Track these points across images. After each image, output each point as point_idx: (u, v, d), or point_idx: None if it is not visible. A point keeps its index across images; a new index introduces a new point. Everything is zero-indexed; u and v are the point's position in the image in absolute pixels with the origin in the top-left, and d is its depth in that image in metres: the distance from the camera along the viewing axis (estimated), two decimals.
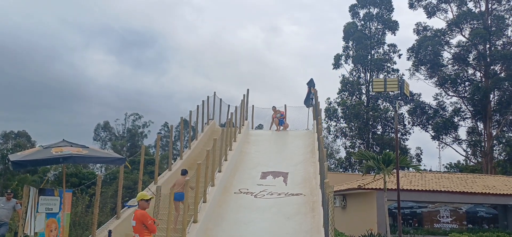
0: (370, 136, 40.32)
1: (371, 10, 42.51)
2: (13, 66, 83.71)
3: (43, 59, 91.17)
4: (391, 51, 41.90)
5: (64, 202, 8.29)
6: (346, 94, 41.93)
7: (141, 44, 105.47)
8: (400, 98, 18.87)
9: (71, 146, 7.86)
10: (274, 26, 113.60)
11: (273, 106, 20.66)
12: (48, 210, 7.94)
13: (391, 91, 16.76)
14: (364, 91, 42.06)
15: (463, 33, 38.51)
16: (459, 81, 37.94)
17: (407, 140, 40.47)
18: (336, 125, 42.32)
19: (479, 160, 37.86)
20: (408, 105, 39.59)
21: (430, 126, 38.85)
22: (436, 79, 38.68)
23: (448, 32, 38.81)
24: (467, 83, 38.07)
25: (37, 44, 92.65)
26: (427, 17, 39.77)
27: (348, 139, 41.85)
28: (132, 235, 10.51)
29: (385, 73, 40.70)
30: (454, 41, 39.04)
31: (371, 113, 40.00)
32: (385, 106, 40.89)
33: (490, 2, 37.87)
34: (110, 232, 8.99)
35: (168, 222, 8.89)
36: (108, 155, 8.71)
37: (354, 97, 41.82)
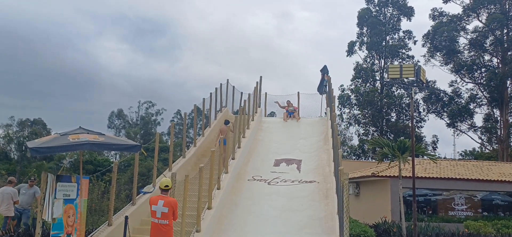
0: (384, 123, 40.02)
1: None
2: (28, 55, 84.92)
3: (57, 47, 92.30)
4: (406, 37, 41.37)
5: (81, 188, 8.39)
6: (360, 81, 41.58)
7: (153, 32, 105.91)
8: (415, 84, 18.64)
9: (88, 133, 7.91)
10: (285, 12, 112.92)
11: (288, 100, 20.64)
12: (65, 196, 8.03)
13: (406, 78, 16.53)
14: (378, 78, 41.67)
15: (480, 18, 37.82)
16: (475, 67, 37.35)
17: (422, 127, 40.16)
18: (349, 112, 42.13)
19: (495, 147, 37.36)
20: (423, 92, 39.15)
21: (445, 113, 38.42)
22: (451, 65, 38.15)
23: (465, 18, 38.15)
24: (483, 69, 37.46)
25: (50, 32, 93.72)
26: (443, 2, 39.15)
27: (361, 126, 41.64)
28: (146, 220, 10.67)
29: (400, 60, 40.28)
30: (470, 27, 38.43)
31: (385, 100, 39.65)
32: (399, 93, 40.48)
33: None
34: (127, 218, 9.09)
35: (183, 208, 8.97)
36: (124, 142, 8.76)
37: (368, 84, 41.45)
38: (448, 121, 38.23)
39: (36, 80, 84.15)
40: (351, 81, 42.15)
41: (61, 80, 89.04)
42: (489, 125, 36.79)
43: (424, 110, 39.89)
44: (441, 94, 38.60)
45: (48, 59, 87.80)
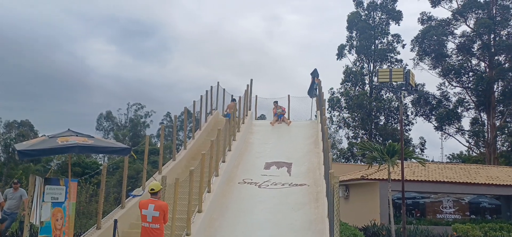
0: (373, 127, 40.29)
1: None
2: (15, 56, 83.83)
3: (45, 49, 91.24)
4: (395, 41, 41.73)
5: (69, 191, 8.27)
6: (349, 84, 41.82)
7: (142, 34, 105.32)
8: (404, 88, 18.79)
9: (77, 136, 7.81)
10: (274, 15, 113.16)
11: (275, 101, 20.51)
12: (54, 200, 7.91)
13: (395, 82, 16.68)
14: (367, 82, 41.96)
15: (468, 23, 38.33)
16: (463, 71, 37.82)
17: (410, 130, 40.52)
18: (339, 115, 42.33)
19: (482, 150, 37.82)
20: (412, 96, 39.52)
21: (433, 117, 38.80)
22: (440, 69, 38.57)
23: (453, 22, 38.64)
24: (471, 73, 37.96)
25: (38, 33, 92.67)
26: (432, 7, 39.61)
27: (350, 129, 41.85)
28: (135, 224, 10.57)
29: (389, 64, 40.63)
30: (458, 31, 38.94)
31: (374, 103, 39.92)
32: (388, 96, 40.81)
33: None
34: (116, 221, 8.99)
35: (173, 211, 8.92)
36: (114, 145, 8.66)
37: (357, 87, 41.72)
38: (436, 124, 38.61)
39: (23, 82, 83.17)
40: (341, 84, 42.41)
41: (48, 82, 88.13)
42: (476, 129, 37.25)
43: (412, 113, 40.27)
44: (429, 98, 38.99)
45: (36, 60, 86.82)
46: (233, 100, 19.13)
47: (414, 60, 39.40)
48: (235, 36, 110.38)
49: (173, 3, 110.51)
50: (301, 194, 12.89)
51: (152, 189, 7.77)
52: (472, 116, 38.25)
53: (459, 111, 38.16)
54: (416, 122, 40.54)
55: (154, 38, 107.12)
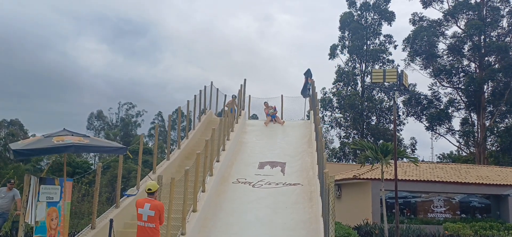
0: (364, 126, 40.51)
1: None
2: (5, 55, 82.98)
3: (35, 48, 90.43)
4: (386, 41, 41.98)
5: (64, 191, 8.25)
6: (342, 84, 42.00)
7: (133, 33, 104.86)
8: (396, 88, 18.94)
9: (72, 135, 7.79)
10: (266, 15, 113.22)
11: (265, 102, 20.53)
12: (49, 199, 7.89)
13: (388, 82, 16.77)
14: (359, 82, 42.15)
15: (459, 24, 38.70)
16: (453, 72, 38.17)
17: (401, 130, 40.80)
18: (330, 115, 42.51)
19: (472, 150, 38.21)
20: (403, 96, 39.81)
21: (424, 117, 39.10)
22: (431, 69, 38.88)
23: (444, 23, 38.95)
24: (461, 74, 38.32)
25: (29, 32, 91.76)
26: (423, 7, 39.92)
27: (342, 129, 42.04)
28: (130, 223, 10.54)
29: (381, 64, 40.86)
30: (449, 32, 39.30)
31: (366, 103, 40.14)
32: (379, 96, 41.04)
33: None
34: (111, 221, 8.97)
35: (169, 211, 8.92)
36: (109, 144, 8.64)
37: (349, 88, 41.91)
38: (427, 125, 38.92)
39: (13, 81, 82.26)
40: (333, 84, 42.59)
41: (39, 81, 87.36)
42: (467, 129, 37.62)
43: (403, 113, 40.54)
44: (421, 98, 39.27)
45: (26, 59, 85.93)
46: (233, 96, 20.10)
47: (406, 60, 39.73)
48: (227, 36, 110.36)
49: (164, 3, 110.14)
50: (295, 194, 12.95)
51: (149, 189, 7.77)
52: (463, 116, 38.64)
53: (449, 111, 38.50)
54: (407, 122, 40.88)
55: (146, 37, 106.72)
